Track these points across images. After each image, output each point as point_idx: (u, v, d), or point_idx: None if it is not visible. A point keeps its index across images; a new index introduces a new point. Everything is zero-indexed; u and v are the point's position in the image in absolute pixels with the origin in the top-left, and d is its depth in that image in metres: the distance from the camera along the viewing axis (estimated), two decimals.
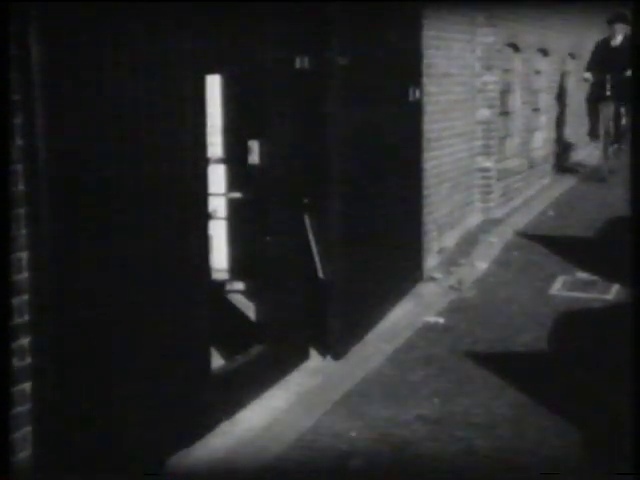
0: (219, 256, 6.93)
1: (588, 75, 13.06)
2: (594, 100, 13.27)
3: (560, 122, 14.20)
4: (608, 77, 12.67)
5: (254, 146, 6.57)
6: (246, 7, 5.37)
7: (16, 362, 3.80)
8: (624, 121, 13.37)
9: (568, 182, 13.26)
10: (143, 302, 4.46)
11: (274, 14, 5.62)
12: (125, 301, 4.35)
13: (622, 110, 13.20)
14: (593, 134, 13.52)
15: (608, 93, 12.80)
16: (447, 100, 9.36)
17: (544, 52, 12.93)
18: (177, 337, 4.69)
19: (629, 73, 11.84)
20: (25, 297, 3.84)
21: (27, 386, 3.87)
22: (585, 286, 8.06)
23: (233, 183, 7.03)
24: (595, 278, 8.19)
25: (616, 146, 13.33)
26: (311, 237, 6.31)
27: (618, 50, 12.73)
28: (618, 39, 12.89)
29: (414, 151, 7.96)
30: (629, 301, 4.24)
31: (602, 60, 12.81)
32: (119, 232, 4.30)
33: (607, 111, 13.00)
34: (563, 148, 14.45)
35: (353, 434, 5.08)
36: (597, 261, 8.62)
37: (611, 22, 12.93)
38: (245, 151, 6.65)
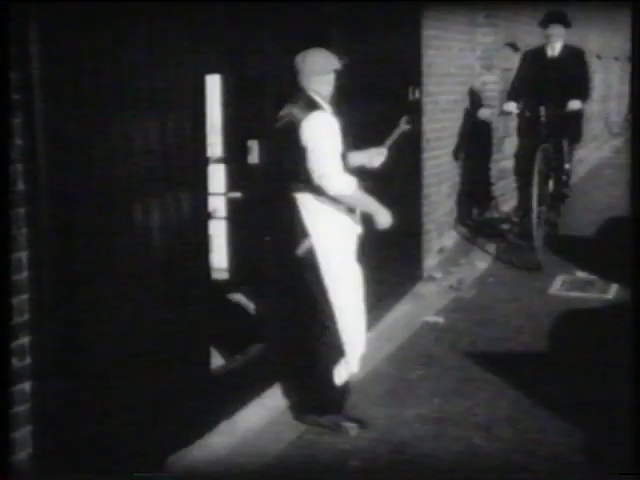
0: (219, 256, 6.94)
1: (511, 106, 8.82)
2: (524, 145, 9.22)
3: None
4: (543, 108, 8.68)
5: (254, 146, 6.59)
6: (246, 7, 5.37)
7: (16, 362, 3.80)
8: (566, 178, 9.39)
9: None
10: (143, 301, 4.46)
11: (274, 14, 5.62)
12: (125, 300, 4.34)
13: (566, 162, 9.24)
14: (523, 205, 9.07)
15: (544, 133, 8.69)
16: (447, 100, 9.36)
17: None
18: (177, 336, 4.69)
19: (574, 105, 8.66)
20: (25, 296, 3.84)
21: (27, 386, 3.87)
22: (585, 286, 8.06)
23: (233, 183, 7.05)
24: (595, 278, 8.20)
25: (553, 214, 9.32)
26: None
27: (557, 65, 8.92)
28: (556, 48, 8.96)
29: (414, 151, 7.96)
30: (629, 301, 4.24)
31: (534, 82, 8.84)
32: (119, 231, 4.30)
33: (544, 161, 8.62)
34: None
35: (353, 433, 5.08)
36: (597, 261, 8.62)
37: (545, 24, 8.95)
38: (245, 151, 6.66)
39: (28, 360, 3.87)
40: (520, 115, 9.03)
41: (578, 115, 9.04)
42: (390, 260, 7.18)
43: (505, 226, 9.83)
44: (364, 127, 6.43)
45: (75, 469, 4.02)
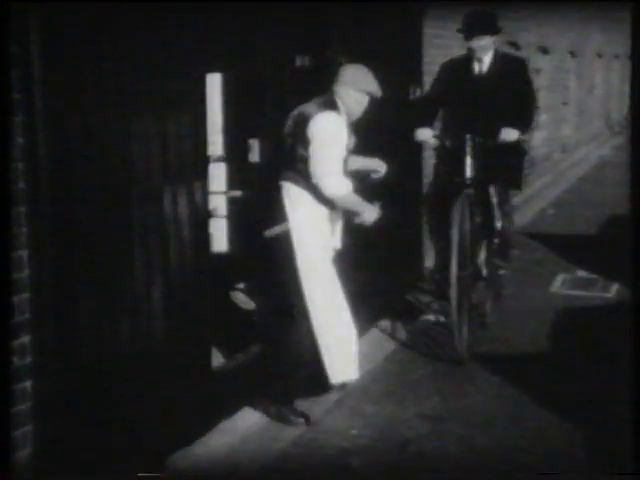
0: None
1: (426, 133, 6.38)
2: (440, 191, 6.62)
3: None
4: (469, 140, 6.21)
5: (254, 144, 6.59)
6: (246, 6, 5.36)
7: (17, 360, 3.80)
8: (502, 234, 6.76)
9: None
10: (143, 300, 4.46)
11: (274, 13, 5.62)
12: (125, 299, 4.35)
13: (498, 213, 6.65)
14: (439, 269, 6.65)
15: (469, 175, 6.23)
16: None
17: (544, 50, 12.94)
18: (178, 335, 4.69)
19: (508, 135, 6.21)
20: (26, 295, 3.85)
21: (28, 384, 3.88)
22: (585, 284, 8.06)
23: (233, 181, 7.04)
24: (595, 276, 8.20)
25: (488, 294, 6.83)
26: None
27: (487, 83, 6.51)
28: (485, 62, 6.52)
29: (414, 150, 7.95)
30: (629, 300, 4.24)
31: (456, 105, 6.57)
32: (119, 230, 4.30)
33: (468, 211, 6.18)
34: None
35: (354, 432, 5.08)
36: (597, 259, 8.62)
37: (469, 32, 6.40)
38: (245, 149, 6.66)
39: (29, 359, 3.88)
40: (439, 152, 6.62)
41: (518, 151, 6.73)
42: (390, 259, 7.18)
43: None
44: (364, 126, 6.44)
45: (75, 468, 4.03)
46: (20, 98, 3.75)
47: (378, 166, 5.44)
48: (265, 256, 5.15)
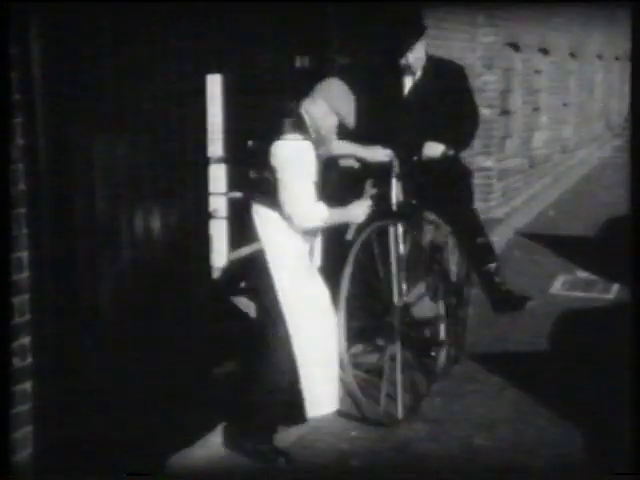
0: (219, 256, 6.93)
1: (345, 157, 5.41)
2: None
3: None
4: (395, 159, 5.26)
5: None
6: (246, 6, 5.37)
7: (17, 362, 3.81)
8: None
9: None
10: (143, 301, 4.47)
11: (274, 14, 5.62)
12: (125, 300, 4.35)
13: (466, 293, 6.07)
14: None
15: (396, 199, 5.29)
16: None
17: (544, 51, 12.94)
18: (178, 336, 4.69)
19: (431, 150, 5.33)
20: (26, 296, 3.85)
21: (28, 386, 3.88)
22: (585, 286, 8.07)
23: (233, 183, 7.04)
24: (595, 278, 8.20)
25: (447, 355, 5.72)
26: None
27: (416, 96, 5.50)
28: (416, 71, 5.51)
29: None
30: (629, 301, 4.24)
31: (382, 122, 5.43)
32: (119, 231, 4.31)
33: (375, 249, 5.13)
34: None
35: (354, 434, 5.08)
36: (597, 261, 8.62)
37: (400, 46, 5.47)
38: (245, 151, 6.65)
39: (29, 360, 3.88)
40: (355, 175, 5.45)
41: (461, 172, 5.74)
42: None
43: None
44: (364, 126, 6.43)
45: (75, 469, 4.03)
46: (20, 99, 3.76)
47: (361, 205, 4.79)
48: (243, 278, 4.88)
